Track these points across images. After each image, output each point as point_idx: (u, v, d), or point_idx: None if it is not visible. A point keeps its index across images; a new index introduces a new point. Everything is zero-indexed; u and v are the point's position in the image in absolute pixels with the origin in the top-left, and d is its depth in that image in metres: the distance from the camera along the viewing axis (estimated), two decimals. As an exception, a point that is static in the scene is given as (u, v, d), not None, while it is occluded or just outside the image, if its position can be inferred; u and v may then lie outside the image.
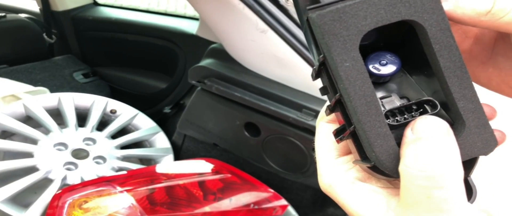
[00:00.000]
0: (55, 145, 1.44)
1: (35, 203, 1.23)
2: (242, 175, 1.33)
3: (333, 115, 0.32)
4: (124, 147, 1.55)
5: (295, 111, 1.23)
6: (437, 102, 0.29)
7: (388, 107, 0.29)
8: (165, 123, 1.74)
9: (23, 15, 2.17)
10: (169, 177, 1.32)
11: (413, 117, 0.28)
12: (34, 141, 1.43)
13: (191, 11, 1.89)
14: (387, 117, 0.28)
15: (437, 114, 0.28)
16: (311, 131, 1.21)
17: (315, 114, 1.19)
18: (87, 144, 1.50)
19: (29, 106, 1.51)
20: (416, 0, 0.27)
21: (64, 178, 1.33)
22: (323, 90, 0.31)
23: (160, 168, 1.37)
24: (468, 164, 0.29)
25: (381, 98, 0.30)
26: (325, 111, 0.31)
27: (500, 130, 0.29)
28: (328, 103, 0.31)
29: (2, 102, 1.61)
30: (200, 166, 1.37)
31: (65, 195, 1.20)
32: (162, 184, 1.28)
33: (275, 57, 1.23)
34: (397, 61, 0.31)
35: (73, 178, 1.34)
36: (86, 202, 1.21)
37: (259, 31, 1.15)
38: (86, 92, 1.73)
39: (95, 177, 1.36)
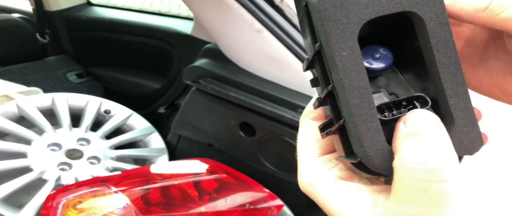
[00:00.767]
0: (49, 146, 1.43)
1: (29, 203, 1.23)
2: (237, 175, 1.33)
3: (318, 112, 0.32)
4: (118, 147, 1.54)
5: (290, 111, 1.23)
6: (428, 99, 0.28)
7: (377, 102, 0.28)
8: (160, 123, 1.73)
9: (16, 15, 2.15)
10: (164, 177, 1.31)
11: (402, 113, 0.28)
12: (27, 142, 1.42)
13: (185, 11, 1.89)
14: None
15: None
16: (306, 131, 1.21)
17: (310, 113, 1.19)
18: (81, 145, 1.49)
19: (22, 106, 1.50)
20: None
21: (58, 179, 1.32)
22: (314, 82, 0.30)
23: (154, 168, 1.37)
24: None
25: None
26: (313, 104, 0.31)
27: (483, 132, 0.29)
28: (315, 97, 0.30)
29: (-5, 102, 1.60)
30: (195, 166, 1.37)
31: (59, 196, 1.20)
32: (157, 184, 1.28)
33: (270, 57, 1.23)
34: (389, 56, 0.30)
35: (67, 179, 1.34)
36: (80, 202, 1.20)
37: (254, 31, 1.15)
38: (80, 93, 1.72)
39: (89, 177, 1.36)
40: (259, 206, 1.27)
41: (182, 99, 1.71)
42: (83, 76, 2.04)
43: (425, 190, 0.24)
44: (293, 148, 1.28)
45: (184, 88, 1.74)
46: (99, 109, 1.63)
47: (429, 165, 0.24)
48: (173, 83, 1.82)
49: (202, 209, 1.23)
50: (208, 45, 1.44)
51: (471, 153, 0.28)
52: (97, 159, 1.45)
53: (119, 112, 1.64)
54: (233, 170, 1.35)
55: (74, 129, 1.54)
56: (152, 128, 1.63)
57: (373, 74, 0.31)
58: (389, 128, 0.27)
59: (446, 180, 0.24)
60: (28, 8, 2.24)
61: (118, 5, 2.16)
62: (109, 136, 1.57)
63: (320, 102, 0.29)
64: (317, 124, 0.31)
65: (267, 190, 1.29)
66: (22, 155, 1.37)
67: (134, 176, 1.33)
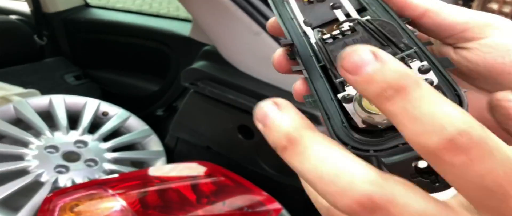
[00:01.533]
0: (45, 148, 1.42)
1: (25, 206, 1.22)
2: (236, 178, 1.33)
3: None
4: (116, 149, 1.54)
5: (288, 114, 1.22)
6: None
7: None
8: (158, 126, 1.73)
9: (13, 17, 2.14)
10: (161, 180, 1.31)
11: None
12: (24, 144, 1.41)
13: (184, 13, 1.89)
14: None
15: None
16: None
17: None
18: (79, 147, 1.48)
19: (19, 108, 1.50)
20: None
21: (55, 181, 1.32)
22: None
23: (152, 171, 1.36)
24: None
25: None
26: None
27: None
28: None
29: (-8, 104, 1.59)
30: (193, 169, 1.36)
31: (56, 199, 1.19)
32: (154, 187, 1.27)
33: (268, 60, 1.22)
34: None
35: (64, 181, 1.33)
36: (77, 205, 1.20)
37: (253, 34, 1.14)
38: (78, 95, 1.71)
39: (87, 180, 1.35)
40: (257, 209, 1.26)
41: (180, 101, 1.70)
42: (81, 78, 2.04)
43: None
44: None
45: (182, 90, 1.73)
46: (96, 111, 1.62)
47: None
48: (171, 85, 1.81)
49: (200, 212, 1.22)
50: (206, 47, 1.43)
51: None
52: (95, 161, 1.44)
53: (116, 114, 1.64)
54: (231, 173, 1.34)
55: (72, 131, 1.53)
56: (150, 131, 1.62)
57: None
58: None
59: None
60: (26, 9, 2.24)
61: (116, 6, 2.15)
62: (106, 138, 1.56)
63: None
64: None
65: (266, 193, 1.28)
66: (19, 158, 1.36)
67: (131, 179, 1.32)
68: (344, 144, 0.26)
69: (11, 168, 1.31)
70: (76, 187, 1.24)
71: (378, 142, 0.26)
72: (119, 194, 1.22)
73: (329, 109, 0.27)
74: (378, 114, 0.25)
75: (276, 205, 1.27)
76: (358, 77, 0.19)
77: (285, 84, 1.27)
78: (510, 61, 0.28)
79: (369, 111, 0.25)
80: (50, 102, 1.58)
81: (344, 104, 0.26)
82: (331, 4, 0.33)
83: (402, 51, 0.27)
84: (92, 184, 1.26)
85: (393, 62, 0.19)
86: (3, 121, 1.45)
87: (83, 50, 2.10)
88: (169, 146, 1.61)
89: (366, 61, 0.18)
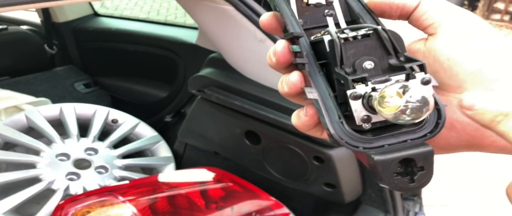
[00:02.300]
0: (57, 156, 1.45)
1: (38, 214, 1.24)
2: (244, 184, 1.34)
3: None
4: (126, 156, 1.56)
5: (294, 119, 1.24)
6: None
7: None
8: (167, 132, 1.75)
9: (24, 27, 2.18)
10: (171, 186, 1.32)
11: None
12: (36, 152, 1.44)
13: (190, 20, 1.91)
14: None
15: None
16: (311, 138, 1.22)
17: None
18: (89, 154, 1.51)
19: (31, 117, 1.53)
20: None
21: (67, 189, 1.34)
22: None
23: (162, 177, 1.38)
24: None
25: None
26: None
27: None
28: None
29: (4, 114, 1.62)
30: (202, 175, 1.38)
31: (68, 206, 1.21)
32: (164, 194, 1.29)
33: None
34: None
35: (76, 188, 1.35)
36: (88, 212, 1.22)
37: (257, 41, 1.16)
38: (88, 102, 1.74)
39: (98, 187, 1.37)
40: (265, 214, 1.27)
41: (188, 107, 1.72)
42: (90, 86, 2.07)
43: None
44: (298, 156, 1.29)
45: (190, 96, 1.75)
46: (106, 118, 1.65)
47: None
48: (179, 92, 1.83)
49: (209, 217, 1.24)
50: (212, 55, 1.45)
51: None
52: (105, 168, 1.47)
53: (126, 122, 1.66)
54: (239, 178, 1.36)
55: (82, 139, 1.56)
56: (159, 137, 1.65)
57: None
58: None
59: None
60: (36, 20, 2.28)
61: (124, 15, 2.18)
62: (116, 145, 1.59)
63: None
64: None
65: (274, 198, 1.30)
66: (31, 166, 1.39)
67: (141, 185, 1.34)
68: (339, 138, 0.29)
69: (24, 176, 1.34)
70: (87, 195, 1.26)
71: (368, 141, 0.30)
72: (130, 200, 1.24)
73: (327, 104, 0.30)
74: (377, 114, 0.29)
75: (284, 209, 1.28)
76: None
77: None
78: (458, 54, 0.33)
79: (371, 109, 0.29)
80: (61, 110, 1.60)
81: (351, 101, 0.29)
82: (326, 11, 0.36)
83: (403, 62, 0.31)
84: (103, 191, 1.28)
85: None
86: (15, 130, 1.48)
87: (92, 58, 2.13)
88: (178, 152, 1.63)
89: None
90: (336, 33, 0.32)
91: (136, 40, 1.93)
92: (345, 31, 0.32)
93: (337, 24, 0.36)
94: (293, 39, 0.34)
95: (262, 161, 1.38)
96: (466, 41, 0.33)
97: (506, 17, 5.62)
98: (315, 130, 0.35)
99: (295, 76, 0.33)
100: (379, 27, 0.32)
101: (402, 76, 0.30)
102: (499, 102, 0.29)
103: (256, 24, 1.11)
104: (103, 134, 1.61)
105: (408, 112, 0.28)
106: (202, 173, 1.39)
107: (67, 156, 1.46)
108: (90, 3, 2.09)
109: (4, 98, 1.64)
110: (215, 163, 1.50)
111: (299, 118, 0.34)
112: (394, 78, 0.30)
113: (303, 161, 1.29)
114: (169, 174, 1.43)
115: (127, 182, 1.36)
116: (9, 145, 1.48)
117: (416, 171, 0.29)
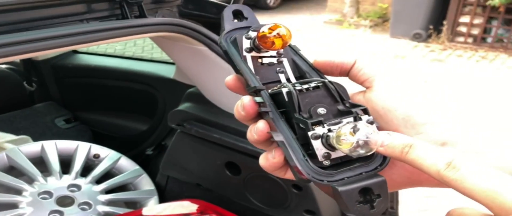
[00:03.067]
0: (39, 194, 1.46)
1: (22, 255, 1.25)
2: (227, 214, 1.37)
3: None
4: (108, 191, 1.57)
5: (272, 149, 1.28)
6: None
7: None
8: (148, 165, 1.77)
9: (3, 66, 2.19)
10: (154, 220, 1.34)
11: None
12: (18, 192, 1.44)
13: (167, 56, 1.96)
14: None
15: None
16: (289, 167, 1.26)
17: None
18: (72, 191, 1.51)
19: (12, 156, 1.53)
20: None
21: (50, 227, 1.35)
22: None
23: (146, 211, 1.40)
24: None
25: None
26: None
27: None
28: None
29: (-15, 154, 1.63)
30: (185, 207, 1.40)
31: (52, 245, 1.22)
32: (147, 228, 1.31)
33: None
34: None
35: (59, 227, 1.36)
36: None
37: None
38: (69, 138, 1.76)
39: (81, 224, 1.38)
40: (247, 243, 1.30)
41: (169, 139, 1.75)
42: (71, 121, 2.08)
43: None
44: (278, 185, 1.33)
45: (170, 129, 1.78)
46: (88, 154, 1.66)
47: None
48: (159, 125, 1.86)
49: (193, 250, 1.26)
50: (190, 89, 1.49)
51: None
52: (89, 204, 1.48)
53: (108, 156, 1.68)
54: (222, 209, 1.39)
55: (64, 175, 1.57)
56: (141, 170, 1.67)
57: None
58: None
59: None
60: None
61: (101, 52, 2.22)
62: (99, 180, 1.60)
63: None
64: None
65: (255, 227, 1.33)
66: (13, 206, 1.39)
67: (125, 220, 1.35)
68: (306, 174, 0.35)
69: (6, 217, 1.34)
70: (71, 233, 1.27)
71: (330, 175, 0.36)
72: (114, 236, 1.26)
73: (291, 145, 0.36)
74: (335, 151, 0.36)
75: (266, 237, 1.31)
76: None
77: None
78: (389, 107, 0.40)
79: (331, 147, 0.35)
80: (42, 148, 1.62)
81: (312, 141, 0.36)
82: (277, 68, 0.43)
83: (349, 107, 0.38)
84: (87, 228, 1.29)
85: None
86: (-4, 170, 1.48)
87: (72, 94, 2.15)
88: (160, 184, 1.65)
89: None
90: (292, 85, 0.38)
91: (115, 75, 1.96)
92: (295, 85, 0.39)
93: (288, 80, 0.42)
94: (255, 92, 0.40)
95: (244, 191, 1.42)
96: (397, 92, 0.40)
97: (470, 40, 5.85)
98: (280, 170, 0.40)
99: (261, 124, 0.39)
100: (326, 80, 0.39)
101: (351, 119, 0.37)
102: (404, 136, 0.34)
103: (230, 62, 1.16)
104: (85, 169, 1.62)
105: (361, 146, 0.33)
106: (186, 205, 1.41)
107: (49, 194, 1.47)
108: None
109: (-16, 138, 1.65)
110: (197, 195, 1.52)
111: (268, 160, 0.39)
112: (344, 120, 0.36)
113: (283, 189, 1.33)
114: (153, 208, 1.45)
115: (110, 217, 1.37)
116: (-10, 186, 1.49)
117: (374, 199, 0.34)
